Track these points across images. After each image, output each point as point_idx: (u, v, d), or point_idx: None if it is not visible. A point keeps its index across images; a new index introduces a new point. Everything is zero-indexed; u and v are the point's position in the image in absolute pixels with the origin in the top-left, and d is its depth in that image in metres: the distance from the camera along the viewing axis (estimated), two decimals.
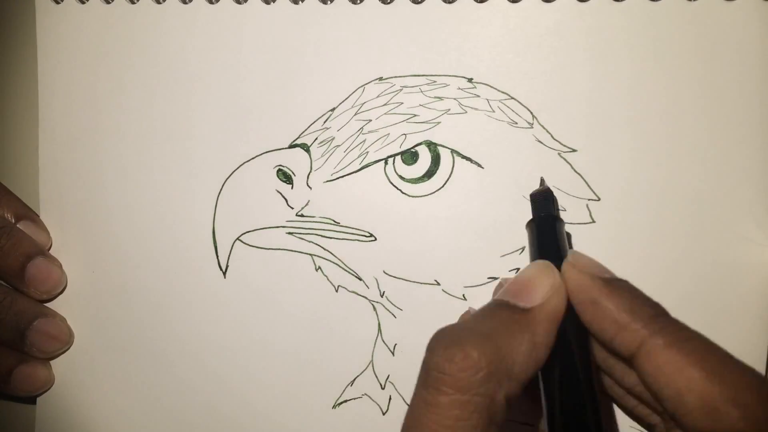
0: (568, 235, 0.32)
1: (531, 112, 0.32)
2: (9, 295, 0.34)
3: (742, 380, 0.20)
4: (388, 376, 0.33)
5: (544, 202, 0.29)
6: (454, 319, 0.32)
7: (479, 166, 0.32)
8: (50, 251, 0.35)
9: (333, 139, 0.33)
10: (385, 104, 0.33)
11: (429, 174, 0.33)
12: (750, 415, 0.20)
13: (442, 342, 0.22)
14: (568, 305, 0.24)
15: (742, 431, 0.20)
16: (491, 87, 0.32)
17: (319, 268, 0.33)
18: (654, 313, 0.23)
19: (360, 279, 0.33)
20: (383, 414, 0.33)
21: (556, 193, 0.32)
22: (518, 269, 0.32)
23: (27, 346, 0.34)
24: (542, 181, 0.31)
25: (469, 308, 0.30)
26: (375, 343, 0.33)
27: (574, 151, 0.32)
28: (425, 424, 0.21)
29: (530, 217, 0.29)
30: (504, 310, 0.23)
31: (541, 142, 0.32)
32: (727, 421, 0.20)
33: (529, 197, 0.30)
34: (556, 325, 0.23)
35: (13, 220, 0.35)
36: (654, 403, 0.23)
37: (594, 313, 0.23)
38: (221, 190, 0.34)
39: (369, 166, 0.33)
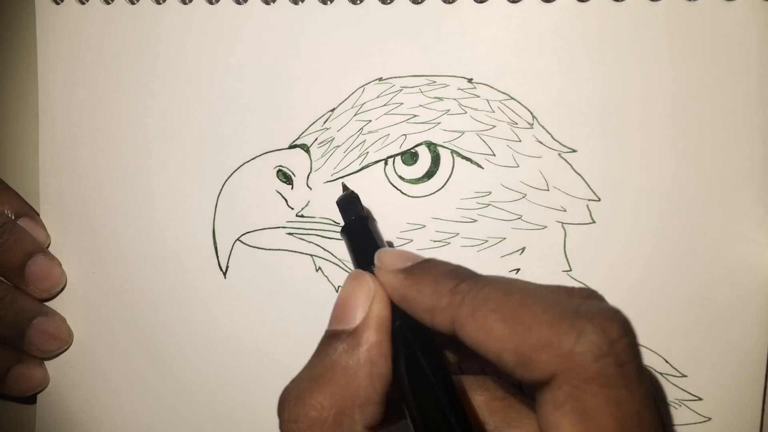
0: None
1: (531, 113, 0.32)
2: (10, 292, 0.34)
3: (542, 320, 0.19)
4: None
5: (349, 206, 0.29)
6: None
7: (479, 166, 0.32)
8: (48, 250, 0.35)
9: (333, 139, 0.33)
10: (385, 105, 0.33)
11: (429, 174, 0.33)
12: (555, 352, 0.19)
13: (286, 405, 0.22)
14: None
15: (554, 373, 0.19)
16: (491, 87, 0.32)
17: (320, 268, 0.33)
18: (453, 284, 0.22)
19: None
20: None
21: (556, 193, 0.32)
22: (518, 270, 0.32)
23: (26, 344, 0.34)
24: (344, 186, 0.31)
25: None
26: None
27: (574, 151, 0.32)
28: None
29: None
30: (332, 341, 0.23)
31: (541, 143, 0.32)
32: (539, 368, 0.19)
33: (336, 204, 0.29)
34: (385, 330, 0.23)
35: (13, 217, 0.34)
36: None
37: (408, 307, 0.23)
38: (221, 190, 0.34)
39: (369, 166, 0.33)
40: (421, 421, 0.21)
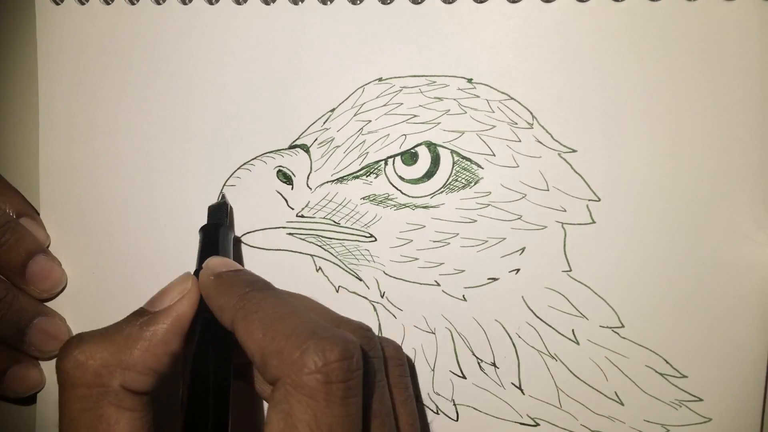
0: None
1: (531, 113, 0.32)
2: (11, 292, 0.34)
3: (284, 333, 0.23)
4: None
5: (215, 213, 0.32)
6: (454, 319, 0.33)
7: (479, 166, 0.32)
8: (48, 250, 0.35)
9: (333, 139, 0.33)
10: (384, 105, 0.33)
11: (429, 174, 0.33)
12: (282, 360, 0.22)
13: (67, 344, 0.26)
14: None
15: (278, 377, 0.23)
16: (491, 87, 0.32)
17: (320, 268, 0.33)
18: (244, 291, 0.25)
19: (360, 280, 0.33)
20: None
21: (555, 193, 0.32)
22: (518, 270, 0.32)
23: (26, 344, 0.34)
24: (222, 195, 0.34)
25: None
26: None
27: (574, 151, 0.32)
28: (62, 420, 0.25)
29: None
30: (135, 315, 0.27)
31: (541, 143, 0.32)
32: (269, 371, 0.23)
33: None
34: (178, 324, 0.26)
35: (14, 216, 0.34)
36: None
37: (209, 304, 0.27)
38: (221, 190, 0.34)
39: (369, 166, 0.33)
40: (186, 399, 0.25)
